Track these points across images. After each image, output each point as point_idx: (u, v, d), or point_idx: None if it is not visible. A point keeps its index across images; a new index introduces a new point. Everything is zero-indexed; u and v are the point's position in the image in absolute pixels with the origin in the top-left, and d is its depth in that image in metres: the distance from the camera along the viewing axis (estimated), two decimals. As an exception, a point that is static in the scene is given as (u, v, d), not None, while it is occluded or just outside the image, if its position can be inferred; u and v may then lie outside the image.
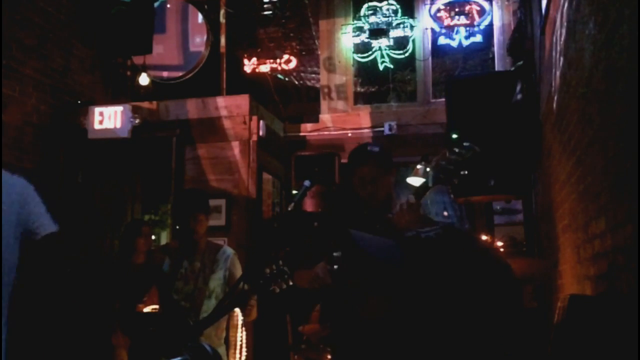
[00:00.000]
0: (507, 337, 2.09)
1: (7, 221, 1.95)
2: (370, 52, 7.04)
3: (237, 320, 4.45)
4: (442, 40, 6.89)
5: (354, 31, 7.08)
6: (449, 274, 2.04)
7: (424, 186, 2.05)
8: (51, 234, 2.02)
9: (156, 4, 6.45)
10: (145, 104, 5.96)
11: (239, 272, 3.20)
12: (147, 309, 3.73)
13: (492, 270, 2.16)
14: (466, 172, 1.94)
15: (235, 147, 5.66)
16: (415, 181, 5.85)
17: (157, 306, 3.53)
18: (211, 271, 3.17)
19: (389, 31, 6.92)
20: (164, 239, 6.78)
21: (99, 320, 3.52)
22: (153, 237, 4.62)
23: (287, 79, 7.86)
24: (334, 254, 2.28)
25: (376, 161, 2.32)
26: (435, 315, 2.04)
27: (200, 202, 3.31)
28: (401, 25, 6.93)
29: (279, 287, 2.30)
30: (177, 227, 4.57)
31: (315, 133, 6.96)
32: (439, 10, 6.86)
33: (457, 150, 1.97)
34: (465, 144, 1.98)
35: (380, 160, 2.33)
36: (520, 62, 5.16)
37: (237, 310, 3.45)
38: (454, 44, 6.81)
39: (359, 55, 7.11)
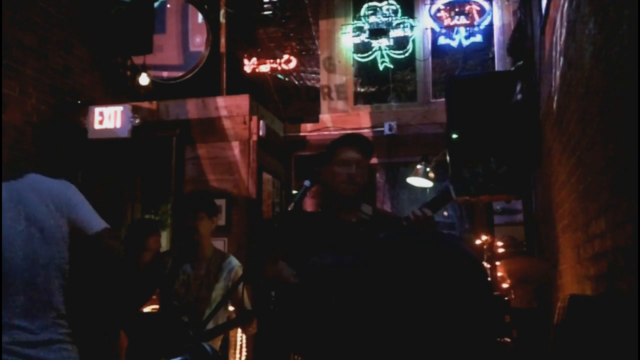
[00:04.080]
0: (477, 331, 2.08)
1: (50, 222, 1.98)
2: (370, 52, 7.04)
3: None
4: (442, 40, 6.89)
5: (354, 31, 7.08)
6: (407, 273, 2.03)
7: (447, 197, 2.07)
8: (103, 230, 2.05)
9: (156, 4, 6.44)
10: (145, 104, 5.95)
11: (240, 286, 3.12)
12: (147, 309, 3.73)
13: (458, 266, 2.14)
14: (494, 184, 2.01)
15: (235, 147, 5.66)
16: (416, 181, 5.87)
17: (157, 306, 3.52)
18: (215, 280, 3.08)
19: (389, 31, 6.92)
20: (164, 239, 6.77)
21: (105, 321, 3.50)
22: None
23: (287, 79, 7.86)
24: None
25: (363, 147, 2.38)
26: (395, 316, 2.02)
27: (202, 201, 3.22)
28: (401, 25, 6.93)
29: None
30: (179, 228, 4.53)
31: (315, 133, 6.95)
32: (439, 10, 6.86)
33: (482, 164, 2.00)
34: (492, 159, 2.00)
35: (367, 149, 2.39)
36: (520, 62, 5.16)
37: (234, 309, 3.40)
38: (454, 44, 6.81)
39: (359, 55, 7.11)
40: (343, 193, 2.33)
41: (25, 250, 1.93)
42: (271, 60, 7.46)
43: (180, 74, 6.77)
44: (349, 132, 2.46)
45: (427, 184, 5.87)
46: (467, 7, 6.75)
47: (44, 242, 1.97)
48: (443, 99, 5.80)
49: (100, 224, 2.07)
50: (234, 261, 3.20)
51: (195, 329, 2.85)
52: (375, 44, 6.98)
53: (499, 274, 4.98)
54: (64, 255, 2.01)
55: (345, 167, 2.32)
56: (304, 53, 7.72)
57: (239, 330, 4.86)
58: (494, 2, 6.79)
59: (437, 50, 7.05)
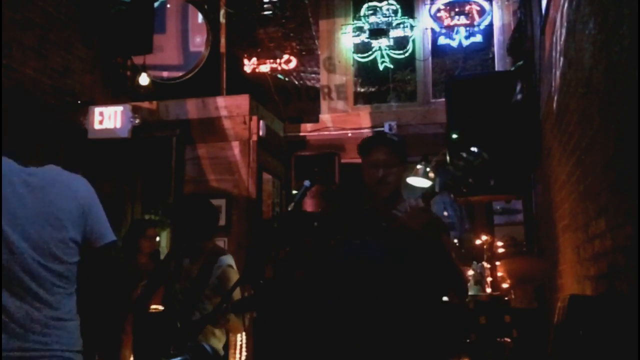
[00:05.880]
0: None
1: (68, 225, 1.86)
2: (370, 52, 7.04)
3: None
4: (442, 40, 6.89)
5: (354, 31, 7.08)
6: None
7: (431, 191, 2.03)
8: (110, 242, 1.96)
9: (156, 4, 6.45)
10: (145, 104, 5.96)
11: (229, 283, 3.03)
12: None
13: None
14: (472, 180, 1.92)
15: (235, 147, 5.66)
16: (416, 181, 5.87)
17: (158, 306, 3.52)
18: (206, 278, 3.08)
19: (389, 31, 6.92)
20: (164, 239, 6.77)
21: (106, 319, 3.51)
22: (158, 238, 4.59)
23: (287, 79, 7.86)
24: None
25: (393, 147, 2.30)
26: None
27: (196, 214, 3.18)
28: (401, 25, 6.93)
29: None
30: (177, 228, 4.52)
31: (315, 133, 6.96)
32: (439, 10, 6.86)
33: (465, 156, 1.94)
34: (473, 149, 1.95)
35: (397, 148, 2.31)
36: (520, 62, 5.16)
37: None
38: (454, 44, 6.81)
39: (359, 55, 7.11)
40: (376, 194, 2.29)
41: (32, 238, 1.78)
42: (271, 60, 7.46)
43: (180, 74, 6.77)
44: (379, 131, 2.36)
45: (427, 184, 5.87)
46: (467, 7, 6.75)
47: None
48: (443, 99, 5.80)
49: (110, 235, 1.97)
50: (224, 260, 3.15)
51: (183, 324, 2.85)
52: (375, 44, 6.98)
53: (499, 274, 4.98)
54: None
55: (374, 169, 2.27)
56: (304, 53, 7.72)
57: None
58: (494, 2, 6.80)
59: (437, 50, 7.05)
